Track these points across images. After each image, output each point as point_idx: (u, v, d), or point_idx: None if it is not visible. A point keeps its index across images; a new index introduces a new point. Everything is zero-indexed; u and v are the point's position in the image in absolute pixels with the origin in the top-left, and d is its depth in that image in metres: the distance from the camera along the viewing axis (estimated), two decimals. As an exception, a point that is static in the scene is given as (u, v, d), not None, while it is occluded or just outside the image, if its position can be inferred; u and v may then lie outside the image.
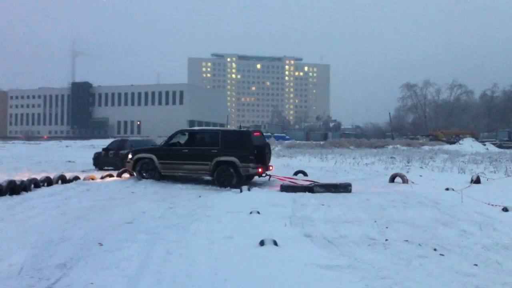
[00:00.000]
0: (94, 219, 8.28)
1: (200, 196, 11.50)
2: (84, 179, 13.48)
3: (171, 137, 14.93)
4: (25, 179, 11.59)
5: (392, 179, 14.78)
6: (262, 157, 14.07)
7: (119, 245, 6.37)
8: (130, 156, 15.10)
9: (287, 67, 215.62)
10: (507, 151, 38.62)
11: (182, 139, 14.89)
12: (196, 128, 15.52)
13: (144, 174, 14.58)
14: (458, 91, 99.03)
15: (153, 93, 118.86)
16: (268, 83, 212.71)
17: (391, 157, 27.00)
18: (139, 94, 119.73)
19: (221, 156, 13.73)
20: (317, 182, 13.11)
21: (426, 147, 43.11)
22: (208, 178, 14.69)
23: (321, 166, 21.53)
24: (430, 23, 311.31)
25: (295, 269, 5.32)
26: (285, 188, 12.35)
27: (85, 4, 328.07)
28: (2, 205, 9.15)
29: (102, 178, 14.22)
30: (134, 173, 14.92)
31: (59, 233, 7.08)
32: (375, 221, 8.31)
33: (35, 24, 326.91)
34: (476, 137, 61.44)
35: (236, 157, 13.60)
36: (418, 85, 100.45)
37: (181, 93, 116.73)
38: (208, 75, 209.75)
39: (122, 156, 20.24)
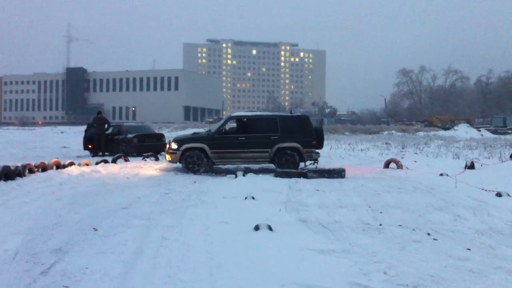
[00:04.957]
0: (89, 204, 8.28)
1: (195, 182, 11.50)
2: (79, 165, 13.44)
3: (222, 124, 14.04)
4: (19, 164, 11.54)
5: (386, 165, 14.81)
6: (321, 141, 14.03)
7: (115, 230, 6.37)
8: (175, 146, 13.61)
9: (283, 52, 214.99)
10: (502, 137, 38.75)
11: (235, 126, 14.32)
12: (249, 114, 14.81)
13: (194, 166, 13.35)
14: (453, 77, 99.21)
15: (148, 79, 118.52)
16: (263, 69, 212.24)
17: (386, 143, 27.05)
18: (134, 79, 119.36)
19: (282, 143, 13.41)
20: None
21: (421, 133, 43.21)
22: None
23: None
24: (426, 9, 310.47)
25: (290, 254, 5.34)
26: (280, 174, 12.37)
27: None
28: (-4, 191, 9.12)
29: (97, 164, 14.18)
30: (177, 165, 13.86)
31: (54, 219, 7.07)
32: (370, 206, 8.35)
33: (29, 9, 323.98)
34: (471, 123, 61.59)
35: (298, 142, 13.43)
36: (413, 71, 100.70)
37: (176, 78, 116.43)
38: (204, 60, 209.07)
39: (117, 141, 20.24)
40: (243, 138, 13.62)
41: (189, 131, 36.07)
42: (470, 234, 6.54)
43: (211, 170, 13.92)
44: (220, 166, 14.39)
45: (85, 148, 20.70)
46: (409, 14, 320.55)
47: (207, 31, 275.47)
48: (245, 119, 14.21)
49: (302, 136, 13.51)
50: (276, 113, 14.89)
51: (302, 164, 13.86)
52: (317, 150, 13.83)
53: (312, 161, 14.01)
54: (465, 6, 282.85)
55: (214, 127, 14.76)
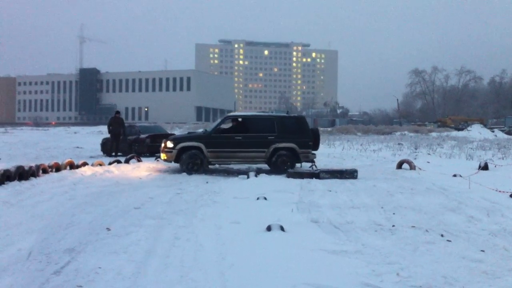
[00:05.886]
0: (102, 204, 8.34)
1: (207, 182, 11.54)
2: (92, 165, 13.53)
3: (219, 124, 14.07)
4: (33, 164, 11.63)
5: (399, 166, 14.74)
6: (317, 142, 14.12)
7: (127, 230, 6.40)
8: (171, 145, 13.51)
9: (294, 53, 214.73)
10: (516, 137, 38.34)
11: (232, 126, 14.26)
12: (247, 113, 15.02)
13: (193, 166, 13.30)
14: (466, 77, 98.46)
15: (160, 79, 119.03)
16: (275, 69, 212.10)
17: (399, 144, 26.91)
18: (147, 80, 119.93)
19: (279, 143, 13.44)
20: None
21: (434, 134, 42.93)
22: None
23: (329, 152, 21.50)
24: (439, 8, 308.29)
25: (302, 254, 5.33)
26: (292, 174, 12.35)
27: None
28: (10, 191, 9.18)
29: (110, 164, 14.26)
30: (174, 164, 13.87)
31: (68, 218, 7.13)
32: (382, 207, 8.31)
33: (43, 10, 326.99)
34: (484, 124, 61.00)
35: (295, 143, 13.46)
36: (426, 71, 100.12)
37: (189, 79, 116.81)
38: (216, 61, 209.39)
39: (130, 141, 20.34)
40: (240, 138, 13.61)
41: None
42: (484, 236, 6.48)
43: (207, 169, 13.87)
44: (217, 165, 14.39)
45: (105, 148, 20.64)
46: (421, 14, 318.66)
47: (219, 31, 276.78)
48: (242, 119, 14.31)
49: (299, 136, 13.53)
50: (273, 114, 14.98)
51: (307, 166, 13.89)
52: (313, 152, 13.84)
53: (311, 163, 14.07)
54: (478, 5, 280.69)
55: (210, 126, 14.86)
